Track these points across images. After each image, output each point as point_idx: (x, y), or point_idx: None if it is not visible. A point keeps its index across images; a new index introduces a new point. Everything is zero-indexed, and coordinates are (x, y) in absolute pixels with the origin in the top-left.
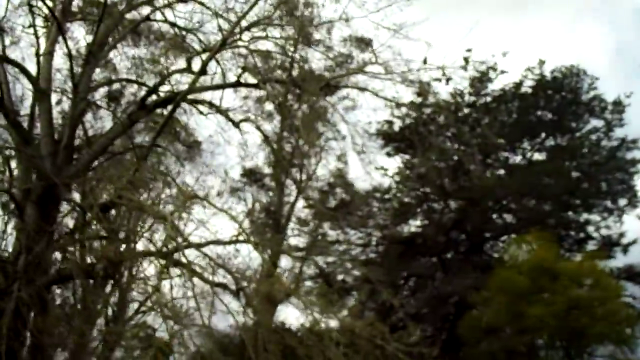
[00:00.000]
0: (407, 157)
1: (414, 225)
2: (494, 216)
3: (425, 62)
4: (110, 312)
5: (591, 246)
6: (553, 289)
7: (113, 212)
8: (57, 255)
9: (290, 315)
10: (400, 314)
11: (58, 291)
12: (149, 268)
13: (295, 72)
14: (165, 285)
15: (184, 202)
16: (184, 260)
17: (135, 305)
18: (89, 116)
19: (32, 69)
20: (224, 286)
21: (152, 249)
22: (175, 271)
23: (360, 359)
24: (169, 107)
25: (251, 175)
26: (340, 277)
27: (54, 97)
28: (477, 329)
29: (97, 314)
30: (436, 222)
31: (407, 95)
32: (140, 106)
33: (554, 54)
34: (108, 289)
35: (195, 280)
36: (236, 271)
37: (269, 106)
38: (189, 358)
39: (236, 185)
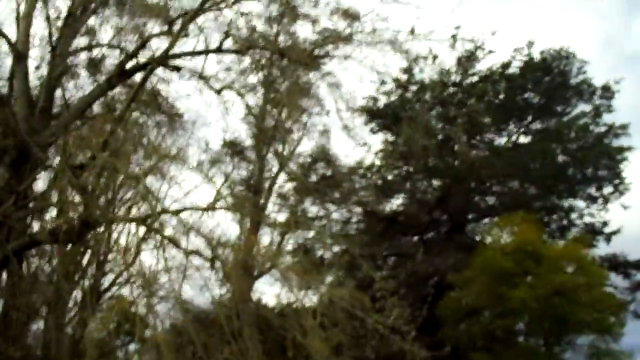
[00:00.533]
0: (391, 134)
1: (396, 203)
2: (477, 197)
3: (412, 32)
4: (87, 283)
5: (574, 233)
6: (536, 273)
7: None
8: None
9: (268, 293)
10: (379, 293)
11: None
12: (124, 235)
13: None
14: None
15: (158, 161)
16: (157, 226)
17: (111, 277)
18: (69, 84)
19: (12, 33)
20: (198, 253)
21: (129, 214)
22: (149, 241)
23: (339, 332)
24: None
25: (232, 147)
26: (319, 252)
27: (34, 63)
28: (457, 310)
29: (73, 284)
30: (419, 200)
31: (394, 69)
32: (119, 71)
33: (541, 40)
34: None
35: (171, 251)
36: (212, 238)
37: (252, 79)
38: (165, 331)
39: (217, 157)
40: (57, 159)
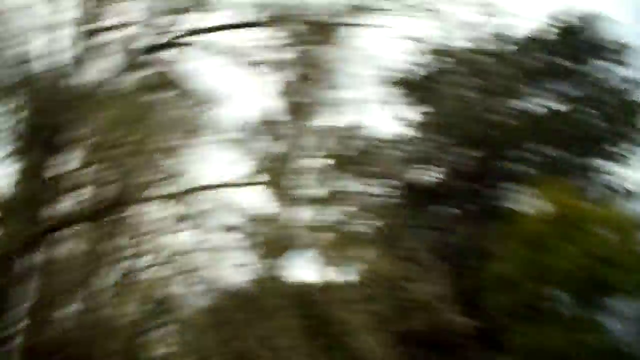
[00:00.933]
0: (427, 105)
1: (433, 175)
2: (514, 166)
3: None
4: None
5: (611, 197)
6: (576, 239)
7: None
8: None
9: (307, 271)
10: (420, 265)
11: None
12: (158, 215)
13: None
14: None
15: (190, 135)
16: (191, 203)
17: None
18: (97, 65)
19: None
20: (234, 230)
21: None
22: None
23: (383, 304)
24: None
25: (266, 123)
26: (358, 227)
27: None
28: (497, 281)
29: (108, 267)
30: (456, 171)
31: (428, 40)
32: (147, 48)
33: (572, 6)
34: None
35: (207, 229)
36: (248, 214)
37: (283, 54)
38: (202, 312)
39: (251, 133)
40: (87, 139)
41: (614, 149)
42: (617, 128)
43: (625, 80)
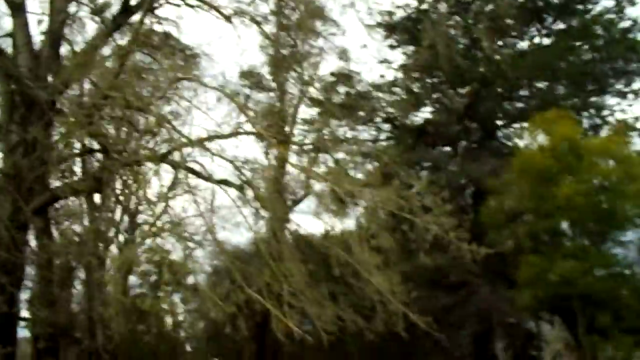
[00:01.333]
0: (411, 45)
1: (424, 115)
2: (506, 102)
3: None
4: (121, 238)
5: (606, 131)
6: (578, 168)
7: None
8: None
9: (306, 223)
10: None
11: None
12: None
13: None
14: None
15: (171, 84)
16: (180, 159)
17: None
18: (76, 38)
19: None
20: (227, 183)
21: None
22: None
23: (388, 239)
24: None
25: (250, 77)
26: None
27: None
28: (499, 215)
29: (107, 242)
30: (447, 109)
31: None
32: (123, 8)
33: None
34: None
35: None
36: (239, 163)
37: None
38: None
39: (235, 88)
40: (70, 108)
41: (610, 83)
42: (612, 61)
43: (614, 12)
